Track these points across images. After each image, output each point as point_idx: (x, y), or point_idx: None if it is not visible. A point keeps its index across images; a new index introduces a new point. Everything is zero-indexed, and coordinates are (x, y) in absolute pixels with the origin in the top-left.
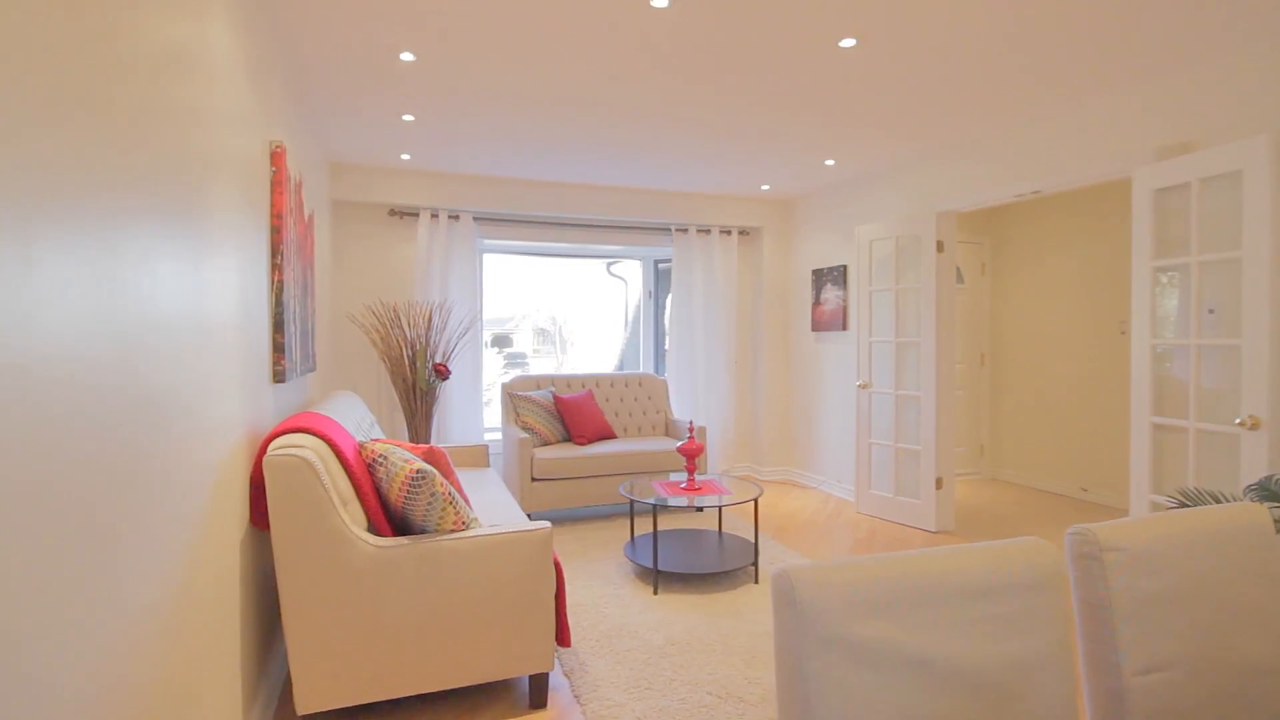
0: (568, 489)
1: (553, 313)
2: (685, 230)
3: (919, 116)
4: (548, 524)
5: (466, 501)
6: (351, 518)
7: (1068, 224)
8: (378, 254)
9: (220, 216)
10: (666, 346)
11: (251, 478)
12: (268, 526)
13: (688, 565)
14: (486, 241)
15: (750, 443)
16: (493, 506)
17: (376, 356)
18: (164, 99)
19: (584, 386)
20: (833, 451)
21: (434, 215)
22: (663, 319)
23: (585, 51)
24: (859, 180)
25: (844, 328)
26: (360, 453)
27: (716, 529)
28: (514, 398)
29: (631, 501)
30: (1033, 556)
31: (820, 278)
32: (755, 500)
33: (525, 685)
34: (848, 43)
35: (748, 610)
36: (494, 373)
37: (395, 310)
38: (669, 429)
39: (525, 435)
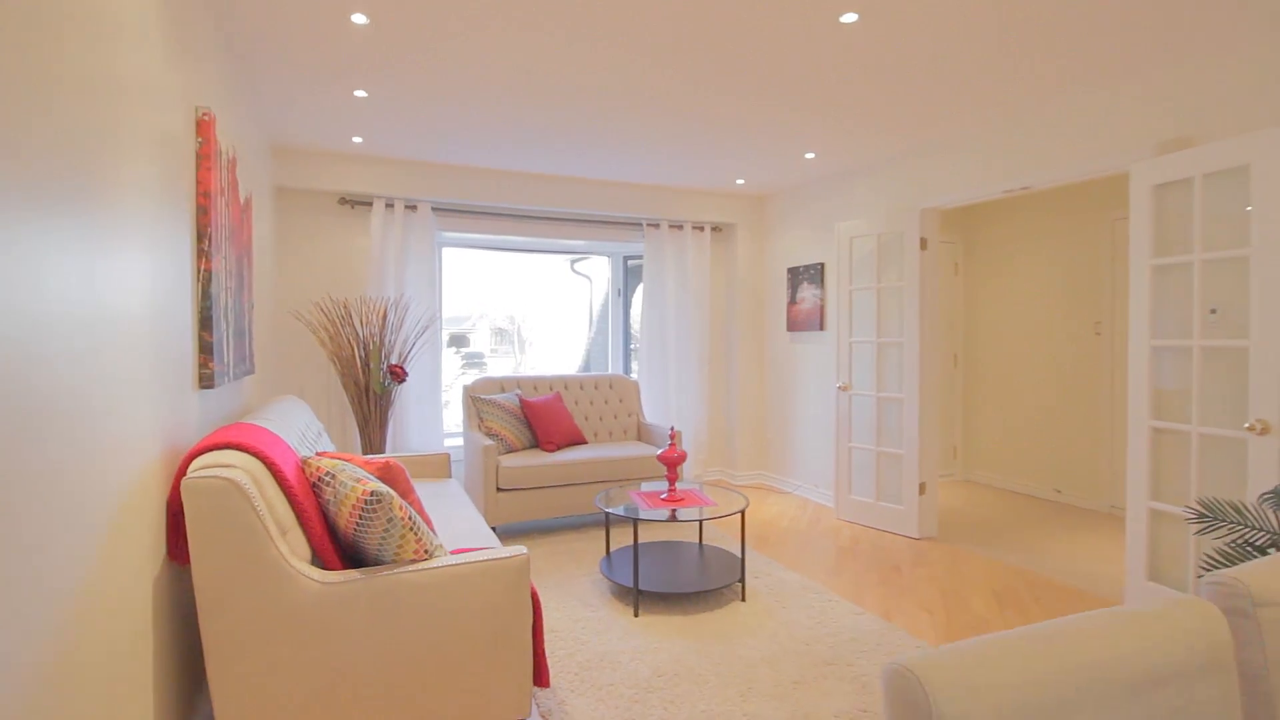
0: (537, 499)
1: (511, 311)
2: (657, 225)
3: (909, 107)
4: (523, 550)
5: (429, 524)
6: (292, 548)
7: (1042, 223)
8: (328, 246)
9: (131, 196)
10: (635, 346)
11: (169, 503)
12: (190, 561)
13: (670, 584)
14: (446, 234)
15: (723, 446)
16: (457, 526)
17: (326, 358)
18: (53, 64)
19: (551, 389)
20: (809, 455)
21: (389, 205)
22: (630, 318)
23: (552, 19)
24: (840, 175)
25: (821, 328)
26: (303, 470)
27: (697, 541)
28: (477, 401)
29: (607, 514)
30: (1197, 625)
31: (796, 276)
32: (741, 512)
33: None
34: (849, 18)
35: (736, 633)
36: (452, 374)
37: (346, 307)
38: (641, 433)
39: (490, 442)
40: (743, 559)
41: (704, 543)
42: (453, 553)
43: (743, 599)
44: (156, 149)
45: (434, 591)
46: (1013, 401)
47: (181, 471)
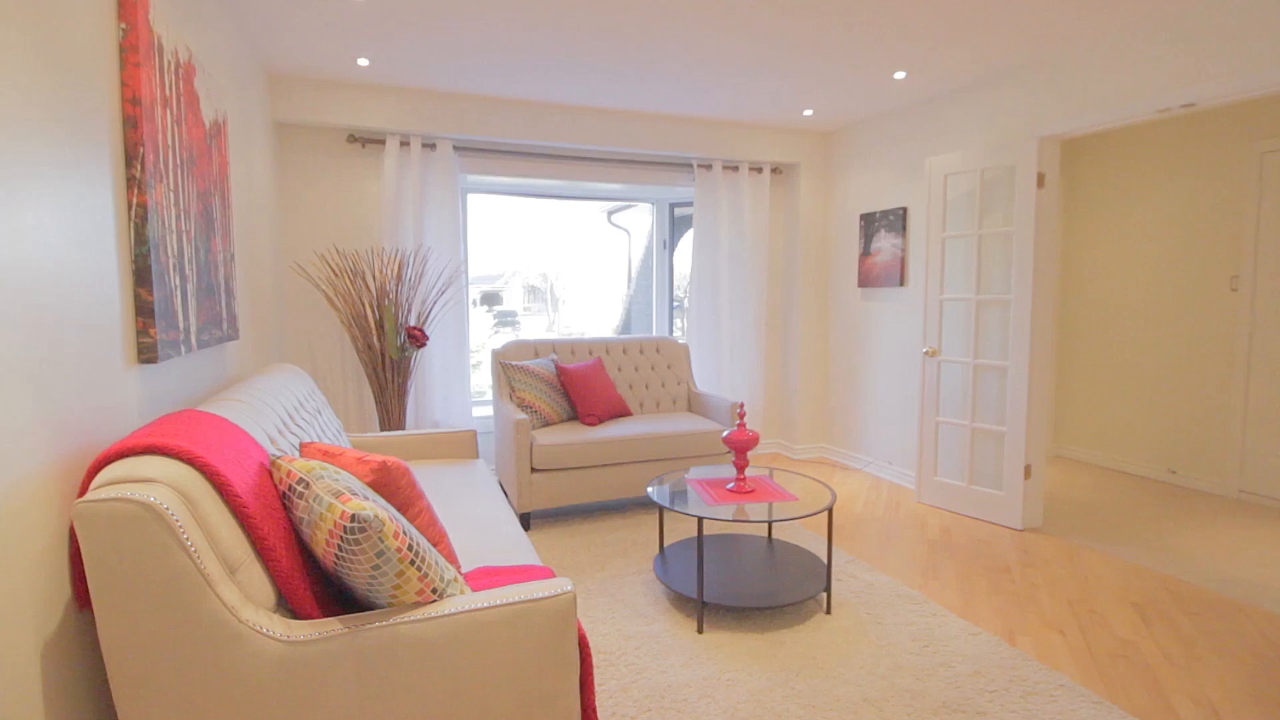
0: (577, 481)
1: (544, 268)
2: (709, 166)
3: (1032, 5)
4: (567, 585)
5: (443, 544)
6: (245, 592)
7: (1166, 155)
8: (336, 191)
9: None
10: (685, 305)
11: (73, 532)
12: None
13: (741, 594)
14: (470, 179)
15: (781, 417)
16: (482, 530)
17: (339, 320)
18: None
19: (590, 353)
20: (882, 428)
21: (404, 143)
22: (675, 274)
23: None
24: (932, 101)
25: (901, 283)
26: (272, 474)
27: (766, 534)
28: (507, 368)
29: (662, 510)
30: None
31: (871, 224)
32: (829, 510)
33: None
34: None
35: (826, 659)
36: (483, 334)
37: (355, 259)
38: (692, 403)
39: (522, 415)
40: (829, 565)
41: (774, 536)
42: (474, 580)
43: (827, 611)
44: (37, 27)
45: (445, 648)
46: (1118, 366)
47: (83, 489)
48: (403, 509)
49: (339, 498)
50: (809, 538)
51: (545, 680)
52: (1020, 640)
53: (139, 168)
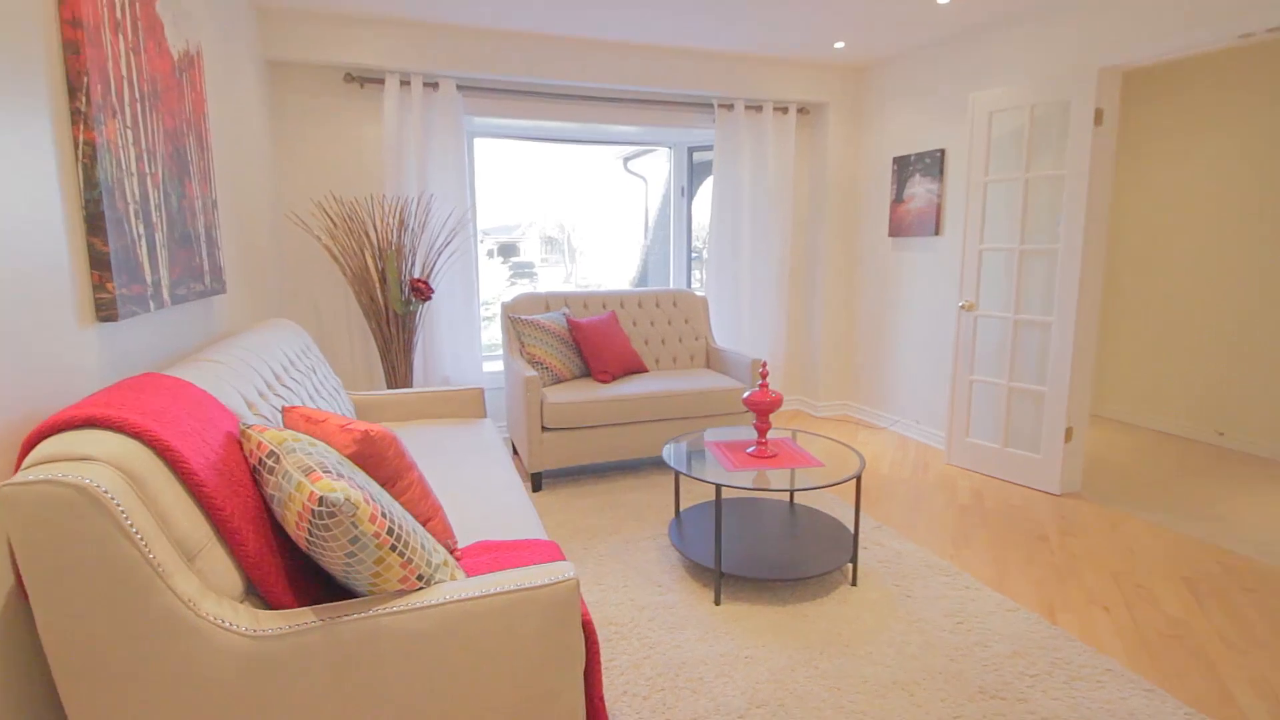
0: (589, 440)
1: (561, 218)
2: (730, 106)
3: None
4: (568, 571)
5: (435, 520)
6: (205, 581)
7: (1230, 91)
8: (335, 135)
9: None
10: (704, 256)
11: None
12: None
13: (761, 564)
14: (477, 121)
15: (803, 372)
16: (484, 498)
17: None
18: None
19: (604, 307)
20: (910, 386)
21: (404, 82)
22: (694, 223)
23: None
24: (979, 29)
25: (936, 231)
26: (241, 446)
27: (788, 499)
28: (516, 323)
29: (678, 475)
30: None
31: (905, 167)
32: (858, 478)
33: None
34: None
35: (852, 636)
36: (499, 286)
37: (354, 207)
38: (711, 359)
39: (532, 372)
40: (855, 535)
41: (796, 502)
42: (472, 556)
43: (853, 582)
44: None
45: (433, 641)
46: (1163, 320)
47: (16, 466)
48: (389, 483)
49: (309, 475)
50: (833, 502)
51: (545, 675)
52: (1061, 617)
53: (84, 100)
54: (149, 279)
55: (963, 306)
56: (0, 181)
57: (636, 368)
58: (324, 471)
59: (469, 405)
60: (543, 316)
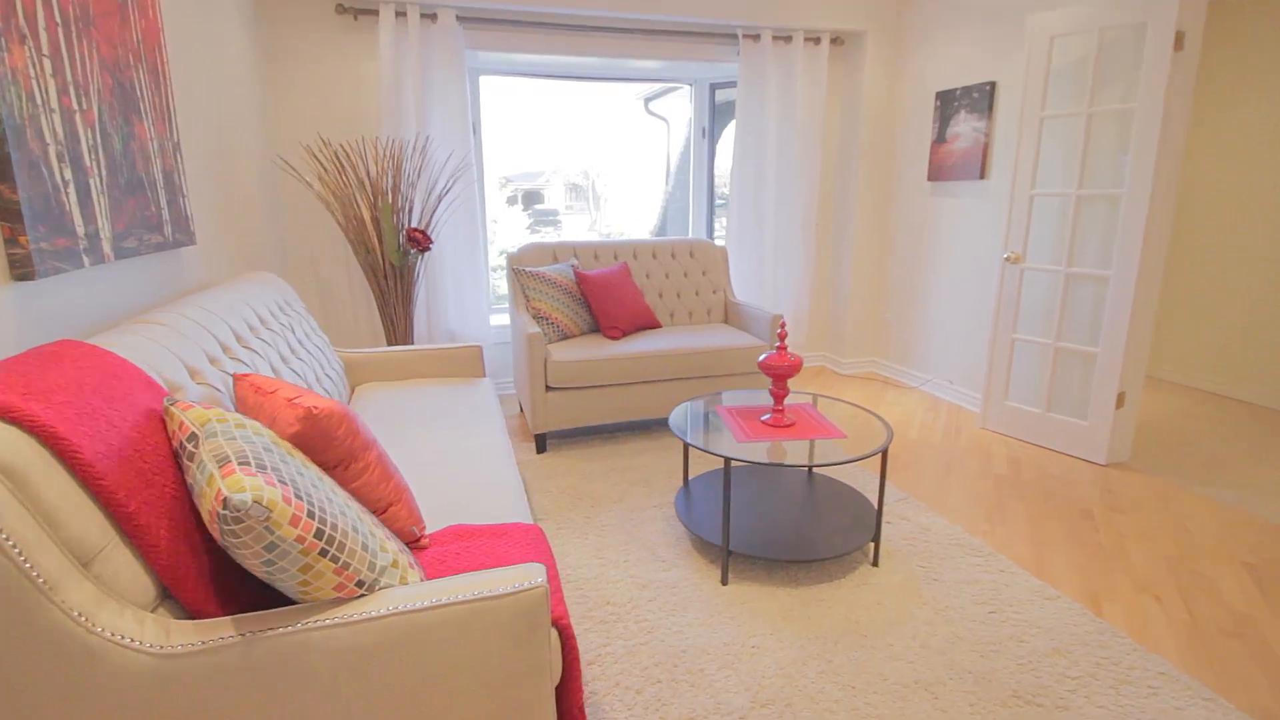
0: (596, 400)
1: (585, 164)
2: (757, 37)
3: None
4: (539, 575)
5: (397, 505)
6: (110, 586)
7: None
8: (329, 73)
9: None
10: (722, 203)
11: None
12: None
13: (772, 543)
14: (483, 57)
15: (828, 327)
16: (469, 474)
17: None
18: None
19: (616, 257)
20: (944, 343)
21: (400, 13)
22: (716, 168)
23: None
24: None
25: (981, 175)
26: (165, 423)
27: (805, 467)
28: (520, 275)
29: (686, 445)
30: None
31: (949, 103)
32: (884, 452)
33: None
34: None
35: (871, 625)
36: (520, 236)
37: (344, 150)
38: (729, 314)
39: (536, 328)
40: (879, 513)
41: (815, 472)
42: (442, 544)
43: (874, 562)
44: None
45: (376, 658)
46: (1228, 273)
47: None
48: (340, 466)
49: (222, 468)
50: (855, 472)
51: (509, 693)
52: (1107, 608)
53: None
54: (81, 230)
55: (1007, 258)
56: None
57: (649, 323)
58: (240, 463)
59: (467, 364)
60: (549, 269)
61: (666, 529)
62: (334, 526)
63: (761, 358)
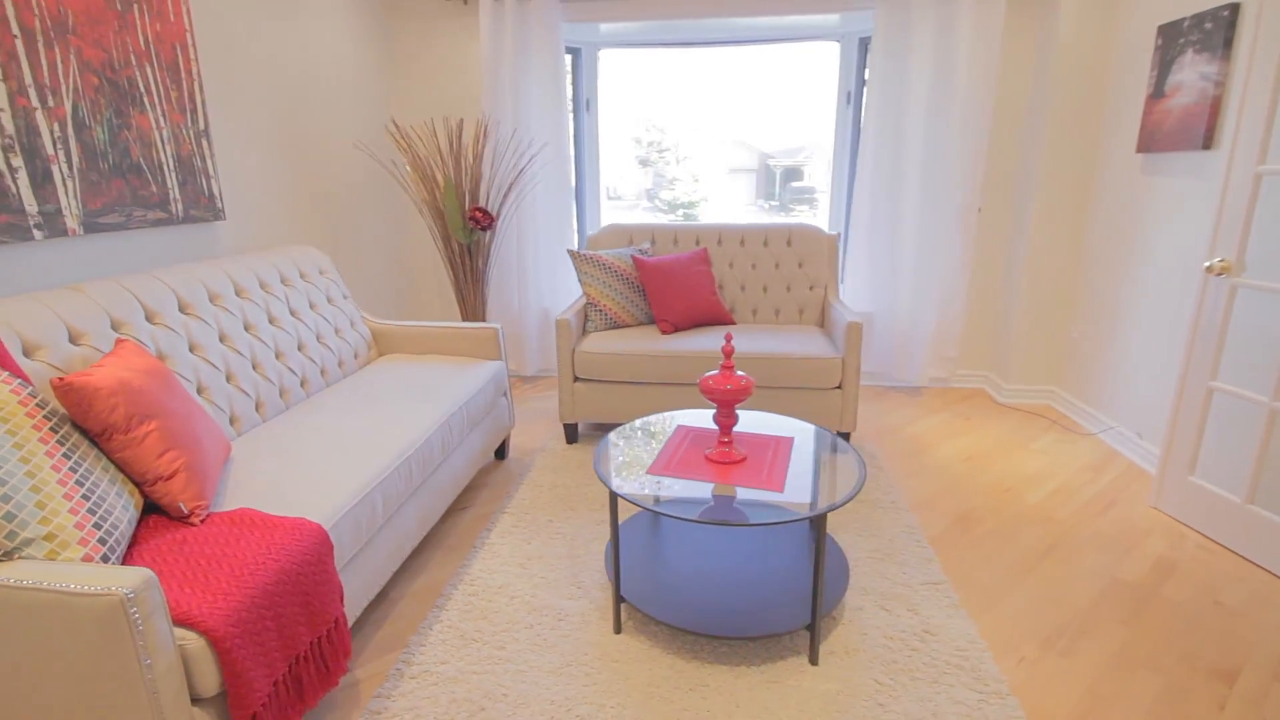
0: (625, 396)
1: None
2: None
3: None
4: (133, 579)
5: (171, 481)
6: None
7: None
8: (442, 58)
9: None
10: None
11: None
12: None
13: (675, 604)
14: (603, 29)
15: (991, 342)
16: (333, 459)
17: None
18: None
19: (698, 242)
20: (1139, 379)
21: None
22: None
23: None
24: None
25: (1205, 144)
26: None
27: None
28: (575, 259)
29: (612, 495)
30: None
31: (1173, 42)
32: (818, 517)
33: None
34: None
35: None
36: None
37: (427, 130)
38: (825, 318)
39: (564, 315)
40: (816, 593)
41: (820, 527)
42: (208, 524)
43: (812, 659)
44: None
45: None
46: None
47: None
48: (100, 436)
49: None
50: (861, 519)
51: (102, 687)
52: None
53: None
54: (31, 208)
55: (1209, 268)
56: None
57: (714, 318)
58: None
59: (484, 345)
60: (608, 252)
61: (599, 558)
62: None
63: (703, 377)
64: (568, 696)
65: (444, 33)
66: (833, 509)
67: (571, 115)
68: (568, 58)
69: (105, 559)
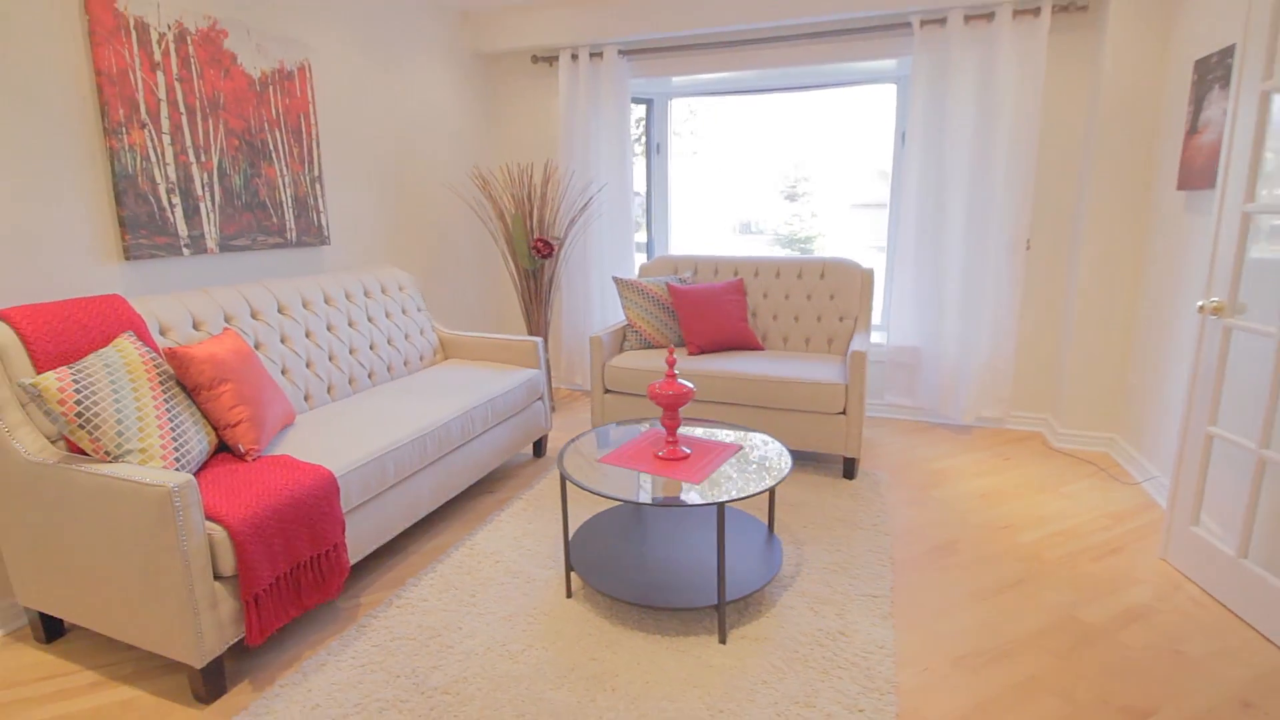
0: (648, 409)
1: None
2: (942, 21)
3: None
4: (176, 480)
5: (238, 428)
6: (38, 425)
7: None
8: (526, 109)
9: None
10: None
11: None
12: None
13: (613, 575)
14: (674, 82)
15: (1047, 384)
16: (365, 432)
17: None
18: None
19: (735, 273)
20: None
21: (574, 55)
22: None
23: None
24: None
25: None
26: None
27: (766, 519)
28: (619, 284)
29: (562, 477)
30: None
31: (1204, 77)
32: (721, 509)
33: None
34: None
35: (639, 695)
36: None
37: (505, 174)
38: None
39: (599, 334)
40: (720, 577)
41: (775, 521)
42: (258, 464)
43: (721, 639)
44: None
45: (90, 495)
46: None
47: None
48: (194, 391)
49: (56, 369)
50: (835, 536)
51: (155, 556)
52: None
53: (114, 119)
54: (183, 233)
55: (1201, 308)
56: (52, 180)
57: (742, 343)
58: (69, 367)
59: (525, 355)
60: (649, 280)
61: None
62: (95, 413)
63: (651, 384)
64: (507, 636)
65: (529, 88)
66: (724, 503)
67: (644, 158)
68: (641, 107)
69: (178, 470)
